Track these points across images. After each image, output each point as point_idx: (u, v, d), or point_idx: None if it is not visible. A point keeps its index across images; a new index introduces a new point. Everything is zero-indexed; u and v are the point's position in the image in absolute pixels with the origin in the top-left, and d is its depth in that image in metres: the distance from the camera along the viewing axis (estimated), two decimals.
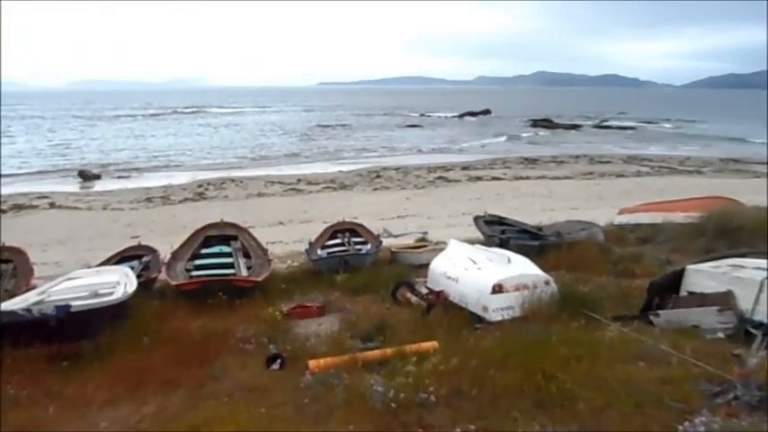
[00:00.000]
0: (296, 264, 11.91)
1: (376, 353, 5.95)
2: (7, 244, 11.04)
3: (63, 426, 4.82)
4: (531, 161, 36.40)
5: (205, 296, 8.61)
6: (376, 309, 8.43)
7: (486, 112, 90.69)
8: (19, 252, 10.87)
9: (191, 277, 9.86)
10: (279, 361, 6.18)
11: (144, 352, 6.42)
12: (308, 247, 12.02)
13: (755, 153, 41.41)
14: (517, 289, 7.26)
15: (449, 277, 8.20)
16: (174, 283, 9.37)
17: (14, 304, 7.08)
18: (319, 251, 11.87)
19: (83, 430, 4.79)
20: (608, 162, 36.37)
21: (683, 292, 7.35)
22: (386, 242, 13.07)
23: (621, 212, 15.26)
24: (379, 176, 30.00)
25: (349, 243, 12.48)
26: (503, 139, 53.91)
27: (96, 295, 7.55)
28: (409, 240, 14.11)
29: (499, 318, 7.02)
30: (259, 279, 9.64)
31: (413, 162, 36.39)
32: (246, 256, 11.23)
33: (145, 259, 11.06)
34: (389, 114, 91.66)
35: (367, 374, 5.19)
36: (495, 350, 5.44)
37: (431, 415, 4.35)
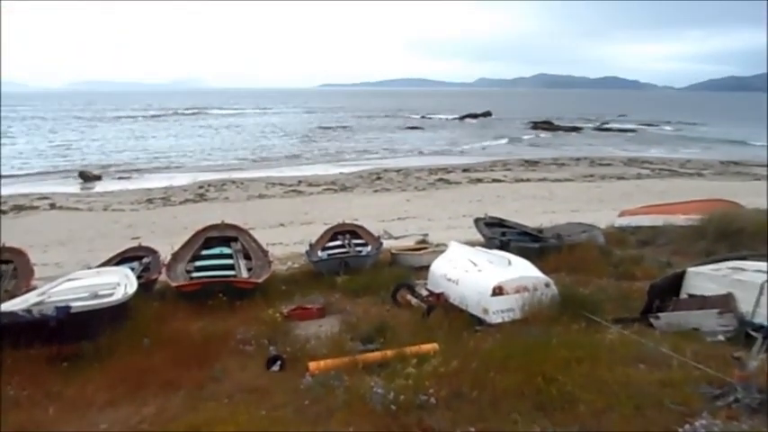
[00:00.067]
0: (296, 265, 11.90)
1: (376, 355, 5.94)
2: (7, 245, 11.04)
3: (63, 427, 4.82)
4: (532, 163, 36.41)
5: (205, 297, 8.62)
6: (376, 310, 8.42)
7: (487, 114, 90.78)
8: (19, 253, 10.86)
9: (191, 278, 9.86)
10: (279, 362, 6.18)
11: (144, 353, 6.42)
12: (308, 248, 12.01)
13: (756, 156, 41.40)
14: (517, 291, 7.26)
15: (449, 279, 8.20)
16: (174, 284, 9.37)
17: (15, 305, 7.08)
18: (320, 253, 11.87)
19: (83, 431, 4.79)
20: (608, 164, 36.38)
21: (683, 295, 7.35)
22: (386, 244, 13.06)
23: (622, 215, 15.26)
24: (379, 178, 30.01)
25: (349, 245, 12.48)
26: (503, 141, 53.95)
27: (96, 296, 7.55)
28: (410, 242, 14.10)
29: (499, 320, 7.02)
30: (259, 280, 9.64)
31: (413, 164, 36.41)
32: (247, 257, 11.23)
33: (145, 260, 11.06)
34: (390, 116, 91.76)
35: (367, 376, 5.18)
36: (496, 352, 5.43)
37: (431, 417, 4.34)
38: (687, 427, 3.95)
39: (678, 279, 7.47)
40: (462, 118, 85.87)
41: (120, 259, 11.23)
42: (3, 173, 31.41)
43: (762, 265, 6.82)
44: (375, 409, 4.44)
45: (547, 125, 69.66)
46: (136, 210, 22.39)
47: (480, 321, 7.18)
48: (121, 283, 8.11)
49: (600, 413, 4.22)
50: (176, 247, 11.30)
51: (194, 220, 15.91)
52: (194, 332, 7.38)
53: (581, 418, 4.19)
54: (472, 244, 10.61)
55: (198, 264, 10.77)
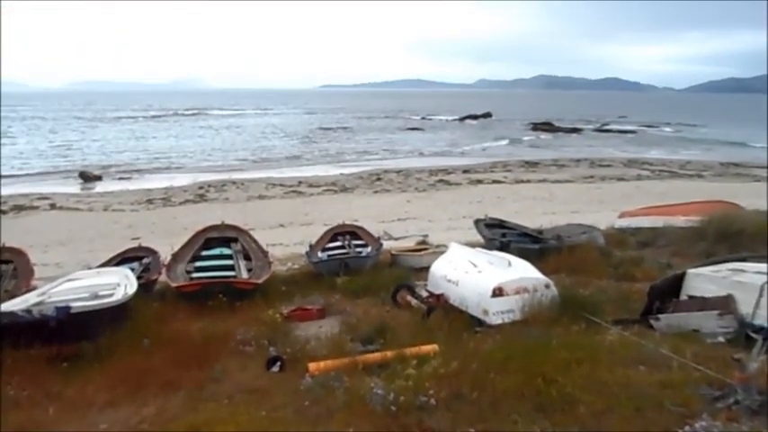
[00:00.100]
0: (296, 266, 11.90)
1: (376, 356, 5.94)
2: (8, 245, 11.04)
3: (63, 427, 4.81)
4: (532, 164, 36.41)
5: (205, 298, 8.62)
6: (376, 311, 8.42)
7: (487, 115, 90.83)
8: (19, 253, 10.86)
9: (191, 279, 9.87)
10: (279, 363, 6.17)
11: (144, 354, 6.41)
12: (308, 249, 12.01)
13: (756, 157, 41.42)
14: (517, 292, 7.26)
15: (449, 280, 8.20)
16: (174, 284, 9.37)
17: (15, 305, 7.08)
18: (320, 254, 11.87)
19: (82, 431, 4.79)
20: (609, 166, 36.40)
21: (683, 296, 7.35)
22: (386, 245, 13.06)
23: (622, 216, 15.27)
24: (379, 179, 30.01)
25: (349, 246, 12.48)
26: (503, 142, 53.97)
27: (96, 297, 7.55)
28: (410, 243, 14.10)
29: (499, 321, 7.02)
30: (259, 281, 9.64)
31: (414, 165, 36.40)
32: (247, 258, 11.24)
33: (145, 261, 11.06)
34: (391, 117, 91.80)
35: (367, 377, 5.18)
36: (496, 353, 5.43)
37: (431, 418, 4.34)
38: (687, 428, 3.95)
39: (678, 280, 7.48)
40: (462, 119, 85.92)
41: (121, 260, 11.23)
42: (3, 173, 31.41)
43: (762, 266, 6.82)
44: (375, 410, 4.44)
45: (547, 126, 69.67)
46: (136, 210, 22.39)
47: (480, 322, 7.18)
48: (121, 284, 8.11)
49: (600, 414, 4.22)
50: (176, 248, 11.30)
51: (194, 221, 15.91)
52: (194, 333, 7.38)
53: (581, 419, 4.19)
54: (472, 245, 10.60)
55: (198, 264, 10.77)
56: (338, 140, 54.59)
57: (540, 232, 13.07)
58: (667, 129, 75.38)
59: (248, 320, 7.90)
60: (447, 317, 7.42)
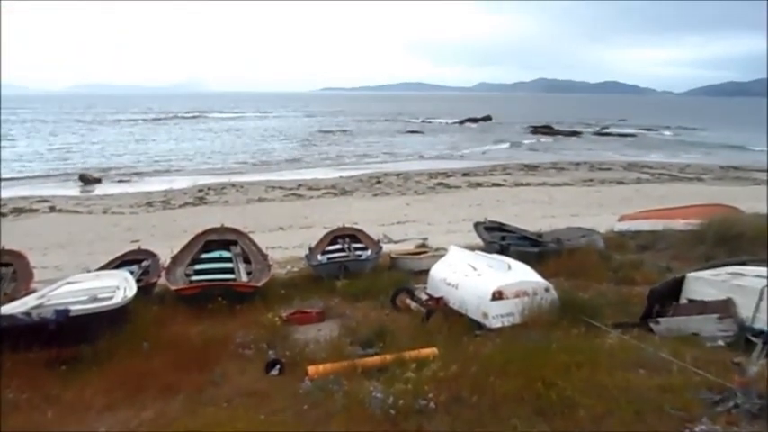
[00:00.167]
0: (296, 269, 11.89)
1: (375, 359, 5.93)
2: (7, 247, 11.04)
3: (62, 430, 4.80)
4: (532, 168, 36.43)
5: (205, 301, 8.60)
6: (375, 315, 8.42)
7: (487, 118, 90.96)
8: (19, 256, 10.87)
9: (190, 282, 9.86)
10: (278, 367, 6.16)
11: (143, 357, 6.40)
12: (307, 252, 12.01)
13: (755, 161, 41.49)
14: (517, 296, 7.24)
15: (449, 283, 8.19)
16: (173, 287, 9.36)
17: (14, 308, 7.08)
18: (319, 257, 11.87)
19: None
20: (608, 169, 36.42)
21: (683, 300, 7.35)
22: (386, 248, 13.06)
23: (622, 219, 15.27)
24: (379, 182, 30.03)
25: (349, 249, 12.48)
26: (503, 145, 54.05)
27: (96, 299, 7.54)
28: (409, 246, 14.10)
29: (499, 324, 7.00)
30: (259, 284, 9.63)
31: (413, 168, 36.42)
32: (246, 261, 11.23)
33: (145, 264, 11.05)
34: (390, 120, 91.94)
35: (366, 381, 5.17)
36: (495, 357, 5.42)
37: (430, 422, 4.33)
38: None
39: (678, 284, 7.47)
40: (462, 122, 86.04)
41: (120, 262, 11.22)
42: (3, 175, 31.41)
43: (761, 270, 6.82)
44: (374, 414, 4.43)
45: (546, 130, 69.77)
46: (135, 213, 22.40)
47: (480, 326, 7.17)
48: (121, 287, 8.10)
49: (600, 418, 4.22)
50: (176, 251, 11.28)
51: (194, 224, 15.92)
52: (193, 336, 7.36)
53: (581, 422, 4.19)
54: (472, 248, 10.60)
55: (197, 267, 10.77)
56: (338, 143, 54.65)
57: (540, 235, 13.07)
58: (667, 132, 75.46)
59: (247, 324, 7.89)
60: (446, 320, 7.41)
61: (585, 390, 4.55)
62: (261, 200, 25.31)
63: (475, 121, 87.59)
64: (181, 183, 30.31)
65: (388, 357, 5.83)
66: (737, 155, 47.44)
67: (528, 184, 29.47)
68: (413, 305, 8.52)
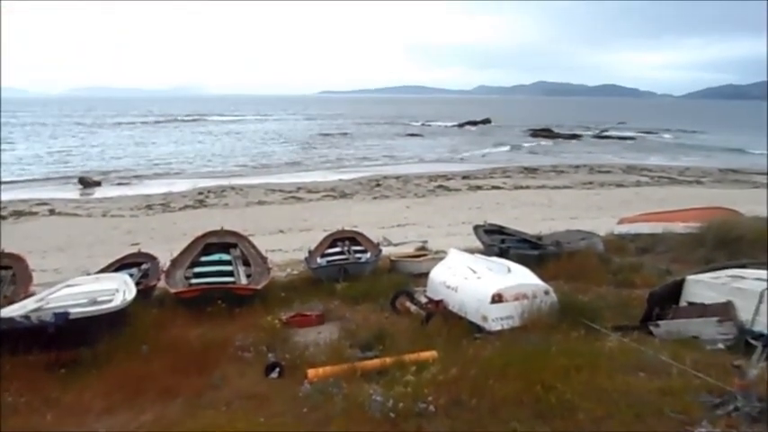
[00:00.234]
0: (295, 272, 11.90)
1: (375, 362, 5.93)
2: (7, 250, 11.04)
3: None
4: (531, 170, 36.48)
5: (204, 304, 8.58)
6: (375, 318, 8.41)
7: (487, 121, 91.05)
8: (18, 259, 10.86)
9: (190, 285, 9.85)
10: (278, 370, 6.16)
11: (142, 360, 6.40)
12: (307, 255, 12.02)
13: (755, 164, 41.56)
14: (517, 299, 7.24)
15: (448, 286, 8.18)
16: (173, 290, 9.36)
17: (13, 311, 7.07)
18: (319, 259, 11.87)
19: None
20: (608, 172, 36.46)
21: (683, 303, 7.34)
22: (385, 251, 13.07)
23: (621, 222, 15.26)
24: (379, 185, 30.05)
25: (349, 251, 12.48)
26: (503, 148, 54.07)
27: (95, 302, 7.53)
28: (409, 249, 14.11)
29: (499, 327, 7.00)
30: (258, 287, 9.63)
31: (413, 171, 36.47)
32: (246, 264, 11.22)
33: (144, 267, 11.05)
34: (390, 123, 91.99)
35: (366, 384, 5.17)
36: (495, 360, 5.42)
37: (430, 425, 4.33)
38: None
39: (677, 287, 7.47)
40: (462, 125, 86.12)
41: (119, 265, 11.22)
42: (3, 178, 31.40)
43: (761, 273, 6.81)
44: (374, 417, 4.43)
45: (546, 132, 69.83)
46: (135, 216, 22.41)
47: (479, 329, 7.16)
48: (120, 290, 8.09)
49: (599, 421, 4.21)
50: (175, 254, 11.28)
51: (193, 227, 15.93)
52: (193, 339, 7.35)
53: (580, 426, 4.18)
54: (471, 251, 10.62)
55: (197, 270, 10.76)
56: (337, 146, 54.67)
57: (540, 238, 13.06)
58: (666, 135, 75.51)
59: (247, 326, 7.89)
60: (446, 323, 7.41)
61: (585, 393, 4.55)
62: (260, 203, 25.33)
63: (474, 124, 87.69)
64: (180, 186, 30.32)
65: (388, 360, 5.83)
66: (737, 158, 47.48)
67: (527, 187, 29.50)
68: (412, 308, 8.52)
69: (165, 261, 10.98)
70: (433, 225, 19.45)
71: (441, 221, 20.07)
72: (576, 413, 4.30)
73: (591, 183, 31.45)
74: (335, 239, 13.29)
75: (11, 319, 6.37)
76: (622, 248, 12.96)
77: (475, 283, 7.87)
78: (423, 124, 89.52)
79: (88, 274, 10.31)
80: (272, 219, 20.97)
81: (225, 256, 11.54)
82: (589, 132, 74.70)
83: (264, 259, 11.56)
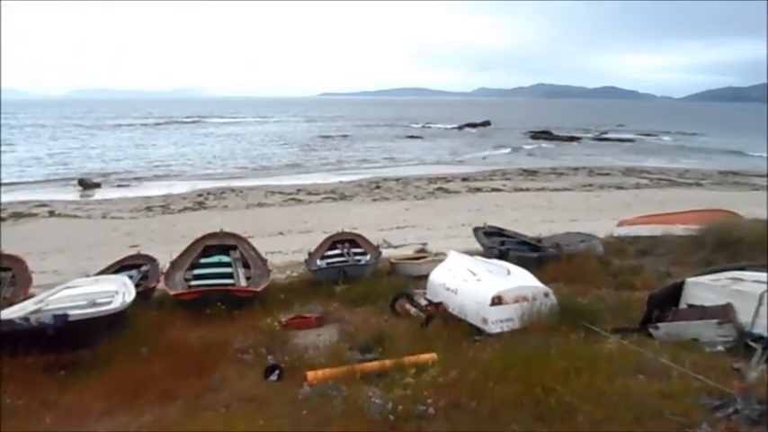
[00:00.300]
0: (295, 274, 11.89)
1: (374, 364, 5.93)
2: (6, 252, 11.02)
3: None
4: (531, 173, 36.48)
5: (204, 306, 8.59)
6: (375, 320, 8.41)
7: (486, 123, 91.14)
8: (17, 260, 10.85)
9: (189, 287, 9.83)
10: (277, 372, 6.16)
11: (142, 362, 6.40)
12: (307, 257, 12.01)
13: (754, 166, 41.58)
14: (516, 301, 7.24)
15: (448, 289, 8.18)
16: (172, 292, 9.34)
17: (12, 313, 7.06)
18: (318, 261, 11.87)
19: None
20: (607, 174, 36.47)
21: (682, 305, 7.34)
22: (385, 253, 13.06)
23: (621, 224, 15.26)
24: (379, 187, 30.05)
25: (348, 254, 12.47)
26: (502, 150, 54.09)
27: (94, 304, 7.53)
28: (409, 251, 14.10)
29: (498, 330, 7.00)
30: (258, 289, 9.62)
31: (413, 173, 36.48)
32: (246, 266, 11.22)
33: (144, 268, 11.04)
34: (390, 125, 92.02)
35: (365, 386, 5.17)
36: (495, 362, 5.41)
37: (429, 427, 4.33)
38: None
39: (677, 289, 7.46)
40: (461, 127, 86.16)
41: (119, 267, 11.21)
42: (3, 180, 31.40)
43: (761, 275, 6.81)
44: (373, 420, 4.42)
45: (546, 135, 69.88)
46: (135, 218, 22.39)
47: (479, 331, 7.16)
48: (120, 292, 8.09)
49: (599, 424, 4.20)
50: (175, 256, 11.26)
51: (193, 229, 15.90)
52: (192, 341, 7.36)
53: (580, 428, 4.18)
54: (471, 253, 10.60)
55: (196, 272, 10.75)
56: (337, 148, 54.66)
57: (539, 241, 13.07)
58: (666, 137, 75.56)
59: (246, 329, 7.88)
60: (446, 325, 7.41)
61: (585, 395, 4.54)
62: (260, 204, 25.31)
63: (474, 126, 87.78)
64: (180, 187, 30.30)
65: (388, 363, 5.83)
66: (736, 160, 47.51)
67: (527, 189, 29.50)
68: (412, 310, 8.52)
69: (164, 263, 10.97)
70: (432, 227, 19.44)
71: (440, 224, 20.06)
72: (576, 416, 4.30)
73: (590, 185, 31.46)
74: (335, 241, 13.28)
75: (10, 321, 6.37)
76: (622, 251, 12.97)
77: (474, 285, 7.87)
78: (423, 126, 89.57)
79: (88, 276, 10.31)
80: (272, 221, 20.96)
81: (224, 258, 11.53)
82: (589, 135, 74.75)
83: (264, 261, 11.55)
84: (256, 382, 6.00)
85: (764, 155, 46.95)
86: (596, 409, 4.35)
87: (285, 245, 16.16)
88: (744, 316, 6.31)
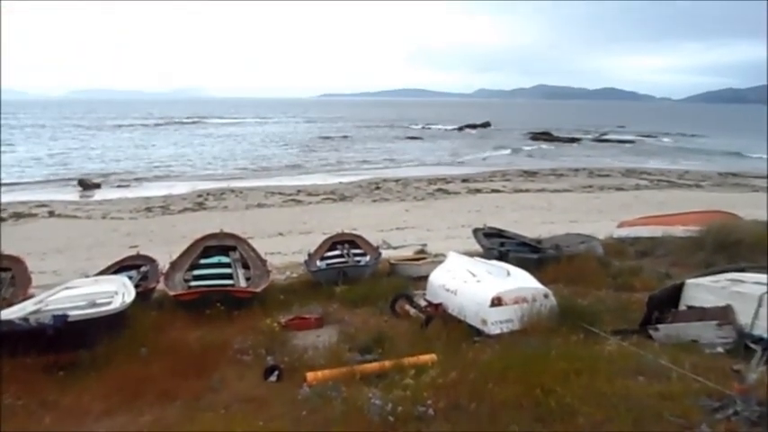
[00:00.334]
0: (295, 275, 11.88)
1: (374, 365, 5.92)
2: (6, 252, 11.02)
3: None
4: (531, 174, 36.49)
5: (203, 307, 8.59)
6: (374, 321, 8.41)
7: (486, 124, 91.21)
8: (17, 261, 10.85)
9: (189, 288, 9.83)
10: (276, 373, 6.16)
11: (141, 362, 6.40)
12: (306, 258, 12.01)
13: (754, 167, 41.61)
14: (516, 302, 7.24)
15: (448, 290, 8.18)
16: (172, 293, 9.34)
17: (12, 313, 7.06)
18: (318, 262, 11.86)
19: None
20: (607, 175, 36.49)
21: (682, 307, 7.34)
22: (385, 254, 13.06)
23: (621, 226, 15.27)
24: (378, 188, 30.05)
25: (348, 254, 12.47)
26: (502, 151, 54.13)
27: (94, 305, 7.53)
28: (408, 252, 14.09)
29: (498, 331, 7.00)
30: (257, 290, 9.62)
31: (413, 174, 36.47)
32: (245, 266, 11.22)
33: (143, 269, 11.04)
34: (390, 126, 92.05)
35: (365, 387, 5.16)
36: (494, 363, 5.41)
37: (429, 428, 4.32)
38: None
39: (677, 290, 7.47)
40: (461, 128, 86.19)
41: (119, 268, 11.20)
42: (2, 180, 31.39)
43: (761, 276, 6.82)
44: (373, 421, 4.42)
45: (546, 136, 69.91)
46: (134, 218, 22.38)
47: (479, 332, 7.16)
48: (119, 292, 8.10)
49: (599, 425, 4.20)
50: (174, 256, 11.27)
51: (193, 229, 15.89)
52: (192, 342, 7.35)
53: (580, 430, 4.17)
54: (471, 254, 10.60)
55: (196, 273, 10.75)
56: (337, 149, 54.66)
57: (539, 242, 13.07)
58: (666, 139, 75.64)
59: (246, 329, 7.88)
60: (445, 326, 7.41)
61: (584, 397, 4.54)
62: (260, 205, 25.31)
63: (474, 127, 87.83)
64: (180, 188, 30.29)
65: (387, 364, 5.83)
66: (736, 161, 47.55)
67: (527, 191, 29.50)
68: (412, 311, 8.51)
69: (164, 263, 10.97)
70: (432, 228, 19.44)
71: (440, 225, 20.06)
72: (576, 417, 4.29)
73: (590, 186, 31.47)
74: (335, 242, 13.28)
75: (10, 322, 6.37)
76: (622, 252, 12.97)
77: (474, 286, 7.87)
78: (423, 127, 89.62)
79: (87, 277, 10.30)
80: (272, 221, 20.95)
81: (224, 259, 11.53)
82: (588, 136, 74.78)
83: (264, 262, 11.55)
84: (256, 383, 6.00)
85: (764, 156, 47.02)
86: (596, 410, 4.35)
87: (285, 246, 16.16)
88: (743, 317, 6.32)
